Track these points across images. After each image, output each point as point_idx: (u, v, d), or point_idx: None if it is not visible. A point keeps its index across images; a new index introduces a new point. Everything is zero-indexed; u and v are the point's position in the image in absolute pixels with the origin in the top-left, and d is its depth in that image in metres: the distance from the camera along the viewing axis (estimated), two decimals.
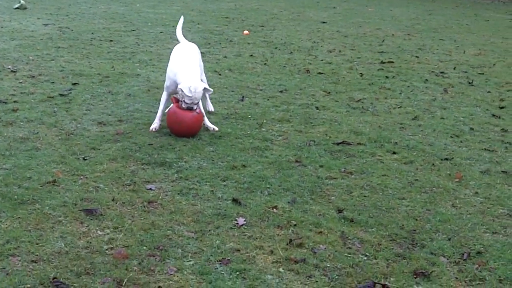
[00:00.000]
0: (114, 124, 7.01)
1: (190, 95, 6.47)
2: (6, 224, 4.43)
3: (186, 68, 6.66)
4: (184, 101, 6.52)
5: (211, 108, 7.60)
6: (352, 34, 15.72)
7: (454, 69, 11.69)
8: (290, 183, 5.60)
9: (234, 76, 10.05)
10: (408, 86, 10.02)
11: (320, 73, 10.76)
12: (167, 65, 6.98)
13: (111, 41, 12.61)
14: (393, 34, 16.11)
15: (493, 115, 8.42)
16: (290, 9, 20.98)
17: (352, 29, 16.68)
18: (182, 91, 6.43)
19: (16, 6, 16.43)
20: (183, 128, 6.60)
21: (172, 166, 5.83)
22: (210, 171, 5.76)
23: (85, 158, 5.89)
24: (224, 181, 5.54)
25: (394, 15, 21.13)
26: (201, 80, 6.90)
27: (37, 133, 6.49)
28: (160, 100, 6.99)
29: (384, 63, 11.96)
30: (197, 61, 7.03)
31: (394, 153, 6.60)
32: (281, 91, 9.21)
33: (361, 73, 10.89)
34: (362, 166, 6.18)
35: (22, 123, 6.81)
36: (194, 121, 6.63)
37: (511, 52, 14.10)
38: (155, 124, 6.78)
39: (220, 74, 10.10)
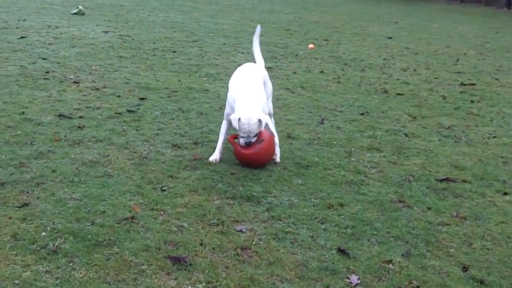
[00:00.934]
0: (189, 148, 6.34)
1: (243, 127, 5.71)
2: (81, 273, 3.76)
3: (245, 95, 5.85)
4: (239, 135, 5.78)
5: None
6: (422, 52, 14.84)
7: None
8: (399, 229, 4.83)
9: (309, 95, 9.32)
10: (498, 113, 9.13)
11: (399, 94, 9.93)
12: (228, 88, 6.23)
13: (174, 51, 12.02)
14: (465, 53, 15.17)
15: None
16: (352, 23, 20.18)
17: (421, 46, 15.79)
18: (237, 122, 5.70)
19: (74, 11, 16.03)
20: (255, 164, 5.93)
21: (261, 202, 5.12)
22: (304, 210, 5.03)
23: (163, 188, 5.22)
24: (323, 223, 4.80)
25: (460, 32, 20.14)
26: (266, 107, 6.03)
27: (108, 155, 5.84)
28: (220, 129, 6.19)
29: (465, 85, 11.08)
30: (260, 86, 6.12)
31: (506, 193, 5.77)
32: (362, 114, 8.43)
33: (443, 96, 10.03)
34: (474, 209, 5.37)
35: (90, 143, 6.19)
36: (263, 154, 5.89)
37: None
38: (215, 156, 6.04)
39: (293, 92, 9.38)
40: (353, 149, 6.83)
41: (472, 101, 9.76)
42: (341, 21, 20.39)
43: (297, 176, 5.84)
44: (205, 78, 9.85)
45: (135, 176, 5.45)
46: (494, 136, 7.83)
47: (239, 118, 5.68)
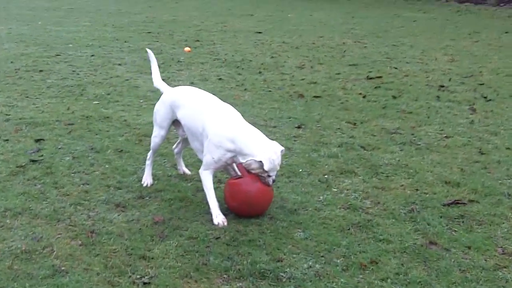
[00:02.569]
0: (138, 206, 4.92)
1: (272, 168, 4.63)
2: None
3: (247, 130, 4.72)
4: (265, 176, 4.64)
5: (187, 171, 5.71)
6: (301, 45, 14.11)
7: (449, 80, 10.35)
8: (463, 286, 3.77)
9: None
10: (429, 107, 8.55)
11: (316, 96, 9.01)
12: (192, 126, 4.96)
13: (41, 71, 10.14)
14: (344, 43, 14.67)
15: None
16: (209, 19, 19.06)
17: (296, 39, 15.08)
18: (262, 165, 4.49)
19: None
20: (256, 209, 4.67)
21: (280, 277, 3.92)
22: (339, 279, 3.82)
23: (144, 280, 3.79)
24: None
25: (320, 20, 19.82)
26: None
27: (42, 237, 4.31)
28: (204, 186, 4.89)
29: (371, 78, 10.44)
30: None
31: None
32: (298, 127, 7.36)
33: (361, 94, 9.27)
34: (509, 238, 4.48)
35: (7, 221, 4.55)
36: (269, 195, 4.66)
37: (478, 55, 13.09)
38: (219, 218, 4.73)
39: None
40: (325, 176, 5.69)
41: (394, 97, 9.08)
42: (198, 18, 19.15)
43: (293, 226, 4.65)
44: (97, 102, 8.21)
45: (96, 266, 3.92)
46: (447, 136, 7.14)
47: (261, 162, 4.55)
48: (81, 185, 5.27)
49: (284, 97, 8.99)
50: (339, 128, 7.37)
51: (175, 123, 5.25)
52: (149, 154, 5.41)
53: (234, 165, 4.91)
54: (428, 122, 7.81)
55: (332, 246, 4.34)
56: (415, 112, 8.30)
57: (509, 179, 5.78)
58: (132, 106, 7.95)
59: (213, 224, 4.59)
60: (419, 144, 6.86)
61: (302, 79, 10.28)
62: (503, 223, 4.81)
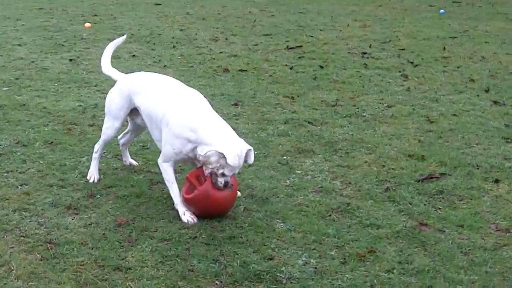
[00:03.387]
0: (91, 206, 4.35)
1: (235, 163, 3.99)
2: None
3: (213, 120, 4.17)
4: (220, 174, 4.03)
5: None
6: (207, 16, 13.61)
7: (370, 47, 10.27)
8: (476, 270, 3.54)
9: None
10: (360, 76, 8.37)
11: (242, 70, 8.56)
12: (152, 113, 4.41)
13: None
14: (250, 12, 14.32)
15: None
16: None
17: (199, 10, 14.56)
18: (222, 159, 3.95)
19: None
20: (224, 211, 4.23)
21: (278, 278, 3.53)
22: (342, 275, 3.54)
23: None
24: None
25: None
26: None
27: None
28: (165, 179, 4.35)
29: (292, 48, 10.12)
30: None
31: (497, 181, 4.89)
32: (235, 104, 6.90)
33: (287, 65, 8.91)
34: (501, 211, 4.32)
35: None
36: (234, 195, 4.24)
37: (388, 20, 13.15)
38: (187, 215, 4.19)
39: None
40: (284, 157, 5.31)
41: (321, 67, 8.83)
42: None
43: (270, 217, 4.25)
44: (7, 88, 7.30)
45: (67, 284, 3.32)
46: (389, 106, 6.98)
47: (223, 154, 3.91)
48: (19, 187, 4.58)
49: (209, 72, 8.47)
50: (278, 103, 6.98)
51: (132, 112, 4.64)
52: (98, 146, 4.78)
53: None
54: (364, 91, 7.60)
55: (320, 237, 3.97)
56: (347, 82, 8.07)
57: (468, 147, 5.66)
58: (47, 91, 7.16)
59: (181, 221, 4.05)
60: (365, 116, 6.63)
61: (221, 52, 9.78)
62: (483, 196, 4.66)
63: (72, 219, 4.11)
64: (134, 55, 9.39)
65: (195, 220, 4.07)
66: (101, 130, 5.65)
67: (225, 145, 3.99)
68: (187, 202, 4.13)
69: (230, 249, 3.78)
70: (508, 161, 5.32)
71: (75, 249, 3.69)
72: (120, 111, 4.58)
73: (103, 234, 3.89)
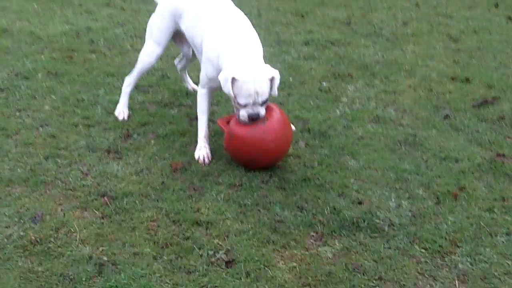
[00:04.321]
0: (131, 148, 3.79)
1: (245, 89, 3.39)
2: None
3: (239, 44, 3.52)
4: (241, 105, 3.46)
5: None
6: None
7: None
8: None
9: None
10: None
11: None
12: (194, 37, 3.83)
13: None
14: None
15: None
16: None
17: None
18: (235, 85, 3.39)
19: None
20: (255, 154, 3.54)
21: (377, 226, 3.06)
22: (448, 218, 3.12)
23: (229, 261, 2.77)
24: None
25: None
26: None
27: (41, 215, 3.00)
28: (198, 107, 3.80)
29: None
30: (249, 23, 3.79)
31: None
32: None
33: None
34: None
35: None
36: (273, 138, 3.52)
37: None
38: (202, 151, 3.69)
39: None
40: (323, 83, 4.86)
41: None
42: None
43: (339, 154, 3.88)
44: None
45: (145, 246, 2.84)
46: (405, 23, 6.52)
47: (233, 77, 3.34)
48: (40, 128, 3.97)
49: None
50: (289, 23, 6.43)
51: (176, 38, 4.05)
52: (131, 77, 4.20)
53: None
54: (373, 7, 7.15)
55: (400, 174, 3.60)
56: None
57: (504, 67, 5.36)
58: (27, 13, 6.35)
59: (194, 157, 3.63)
60: (385, 34, 6.21)
61: None
62: None
63: (117, 165, 3.56)
64: None
65: (207, 160, 3.62)
66: (105, 57, 5.06)
67: (237, 68, 3.39)
68: (227, 152, 3.62)
69: (310, 193, 3.35)
70: None
71: (137, 202, 3.18)
72: (162, 35, 4.01)
73: (162, 182, 3.38)
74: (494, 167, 3.68)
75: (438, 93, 4.72)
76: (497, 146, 3.94)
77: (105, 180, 3.39)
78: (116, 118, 4.15)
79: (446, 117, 4.34)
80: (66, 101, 4.37)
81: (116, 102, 4.31)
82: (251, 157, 3.47)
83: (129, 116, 4.17)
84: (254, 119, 3.42)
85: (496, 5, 7.37)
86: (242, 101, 3.38)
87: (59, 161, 3.56)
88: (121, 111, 4.19)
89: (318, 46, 5.68)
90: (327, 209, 3.20)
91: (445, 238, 3.01)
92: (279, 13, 6.78)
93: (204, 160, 3.60)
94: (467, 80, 4.96)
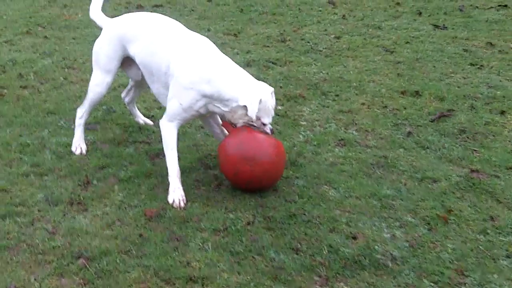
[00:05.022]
0: (94, 197, 3.49)
1: (267, 109, 3.41)
2: None
3: (230, 68, 3.47)
4: (259, 124, 3.45)
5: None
6: None
7: None
8: None
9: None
10: (287, 5, 7.77)
11: (157, 5, 7.63)
12: (153, 63, 3.62)
13: None
14: None
15: None
16: None
17: None
18: (250, 108, 3.34)
19: None
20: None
21: (379, 262, 2.95)
22: (446, 246, 3.07)
23: None
24: None
25: None
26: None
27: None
28: (165, 143, 3.55)
29: None
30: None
31: (502, 112, 4.68)
32: None
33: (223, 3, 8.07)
34: None
35: None
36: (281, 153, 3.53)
37: None
38: (177, 194, 3.45)
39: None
40: (279, 107, 4.71)
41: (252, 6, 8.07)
42: None
43: (316, 184, 3.72)
44: None
45: None
46: (337, 37, 6.54)
47: (254, 100, 3.31)
48: None
49: (120, 10, 7.41)
50: (224, 43, 6.26)
51: (125, 63, 3.77)
52: (82, 110, 3.93)
53: (218, 122, 3.72)
54: (302, 23, 7.08)
55: (384, 200, 3.52)
56: (278, 13, 7.54)
57: (447, 77, 5.42)
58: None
59: (167, 200, 3.40)
60: (322, 50, 6.14)
61: None
62: (504, 131, 4.39)
63: (85, 218, 3.25)
64: None
65: (183, 204, 3.39)
66: (39, 93, 4.71)
67: (245, 95, 3.34)
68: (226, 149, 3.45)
69: (300, 231, 3.19)
70: (495, 89, 5.11)
71: (118, 261, 2.89)
72: (110, 62, 3.74)
73: (140, 235, 3.10)
74: (473, 185, 3.65)
75: (393, 109, 4.68)
76: (467, 162, 3.92)
77: (76, 238, 3.06)
78: (67, 162, 3.79)
79: (409, 134, 4.29)
80: (9, 147, 3.97)
81: (64, 144, 4.00)
82: (251, 156, 3.35)
83: (87, 151, 3.84)
84: (272, 133, 3.48)
85: (420, 13, 7.50)
86: (267, 120, 3.39)
87: (19, 219, 3.21)
88: (78, 145, 3.90)
89: (260, 67, 5.52)
90: (323, 248, 3.04)
91: (451, 268, 2.92)
92: (210, 33, 6.58)
93: (179, 203, 3.34)
94: (417, 93, 4.95)
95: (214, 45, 3.58)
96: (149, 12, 3.92)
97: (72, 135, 4.09)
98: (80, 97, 4.81)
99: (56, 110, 4.56)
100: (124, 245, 3.01)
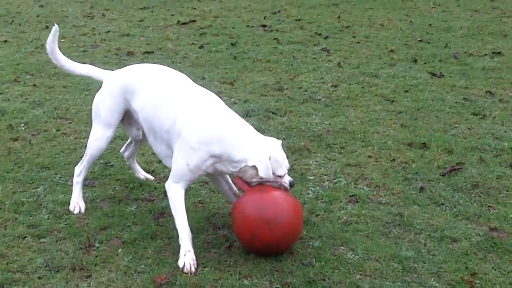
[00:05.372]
0: (97, 262, 3.28)
1: (280, 164, 3.28)
2: None
3: (238, 125, 3.35)
4: (276, 181, 3.31)
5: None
6: None
7: (264, 18, 9.61)
8: None
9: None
10: (281, 53, 7.78)
11: (148, 52, 7.51)
12: (156, 120, 3.48)
13: None
14: None
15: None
16: None
17: None
18: (262, 168, 3.22)
19: None
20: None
21: None
22: None
23: None
24: None
25: None
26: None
27: None
28: (172, 205, 3.37)
29: (185, 23, 9.20)
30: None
31: (497, 155, 4.56)
32: None
33: (194, 44, 8.04)
34: None
35: None
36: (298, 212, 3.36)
37: None
38: (188, 258, 3.24)
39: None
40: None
41: (232, 44, 8.12)
42: None
43: (332, 245, 3.52)
44: None
45: None
46: (335, 86, 6.44)
47: (264, 158, 3.19)
48: None
49: (111, 57, 7.30)
50: (220, 91, 6.12)
51: (125, 121, 3.65)
52: (82, 166, 3.73)
53: (227, 179, 3.54)
54: (298, 71, 6.98)
55: (405, 263, 3.34)
56: (273, 60, 7.42)
57: (451, 128, 5.32)
58: None
59: (177, 264, 3.18)
60: (321, 99, 6.03)
61: (108, 32, 8.56)
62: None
63: (89, 286, 3.00)
64: (6, 41, 7.82)
65: (193, 268, 3.17)
66: (31, 145, 4.50)
67: (254, 154, 3.21)
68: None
69: None
70: (500, 140, 5.00)
71: None
72: (112, 116, 3.59)
73: None
74: (495, 244, 3.49)
75: (402, 163, 4.54)
76: (485, 219, 3.77)
77: None
78: (66, 222, 3.56)
79: (421, 189, 4.14)
80: (3, 206, 3.74)
81: (62, 202, 3.78)
82: (271, 217, 3.16)
83: (86, 209, 3.63)
84: (292, 185, 3.32)
85: (415, 61, 7.45)
86: (282, 172, 3.24)
87: None
88: (76, 204, 3.67)
89: (260, 117, 5.37)
90: None
91: None
92: (206, 81, 6.44)
93: (190, 268, 3.13)
94: (424, 145, 4.83)
95: (221, 101, 3.42)
96: (154, 64, 3.76)
97: (69, 191, 3.88)
98: (75, 150, 4.61)
99: (51, 164, 4.34)
100: None
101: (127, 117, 3.67)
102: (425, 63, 7.36)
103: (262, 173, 3.17)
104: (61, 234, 3.46)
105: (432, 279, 3.18)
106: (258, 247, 3.19)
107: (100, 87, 3.72)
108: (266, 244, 3.14)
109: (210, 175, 3.50)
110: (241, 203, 3.23)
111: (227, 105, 3.47)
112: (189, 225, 3.34)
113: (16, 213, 3.66)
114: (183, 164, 3.28)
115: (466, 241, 3.54)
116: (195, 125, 3.25)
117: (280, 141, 3.35)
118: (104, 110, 3.60)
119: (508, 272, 3.25)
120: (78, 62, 3.92)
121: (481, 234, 3.61)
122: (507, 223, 3.73)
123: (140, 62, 6.92)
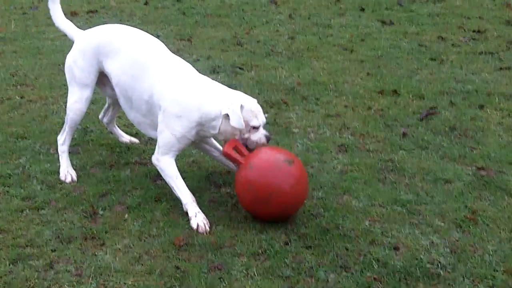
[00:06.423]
0: (108, 230, 3.22)
1: (255, 115, 3.25)
2: None
3: (211, 87, 3.34)
4: (251, 131, 3.27)
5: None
6: None
7: None
8: None
9: None
10: (230, 7, 7.60)
11: (91, 11, 7.25)
12: (131, 87, 3.43)
13: None
14: None
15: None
16: None
17: None
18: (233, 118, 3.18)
19: None
20: (279, 203, 3.19)
21: (431, 271, 2.88)
22: (493, 248, 3.06)
23: None
24: None
25: None
26: None
27: None
28: (167, 176, 3.33)
29: None
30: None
31: (481, 106, 4.77)
32: None
33: (138, 1, 7.78)
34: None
35: None
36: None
37: None
38: (198, 218, 3.20)
39: None
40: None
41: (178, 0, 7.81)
42: None
43: (332, 194, 3.55)
44: None
45: None
46: (291, 37, 6.45)
47: (241, 105, 3.18)
48: None
49: None
50: (179, 49, 6.00)
51: (98, 80, 3.57)
52: (65, 133, 3.64)
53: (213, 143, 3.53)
54: (251, 24, 6.97)
55: (406, 206, 3.49)
56: (223, 15, 7.43)
57: (415, 73, 5.51)
58: None
59: (190, 226, 3.17)
60: (281, 52, 6.07)
61: None
62: (489, 126, 4.46)
63: (106, 254, 2.94)
64: None
65: (207, 228, 3.16)
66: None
67: (236, 98, 3.23)
68: (238, 186, 3.20)
69: (341, 246, 3.08)
70: (464, 83, 5.18)
71: None
72: (87, 76, 3.51)
73: (177, 267, 2.85)
74: (486, 183, 3.66)
75: (378, 110, 4.64)
76: (470, 160, 3.93)
77: (107, 278, 2.77)
78: (63, 191, 3.45)
79: (404, 135, 4.27)
80: None
81: (50, 172, 3.65)
82: (265, 196, 3.07)
83: (77, 177, 3.52)
84: (269, 140, 3.24)
85: (363, 9, 7.54)
86: (256, 122, 3.21)
87: (33, 263, 2.85)
88: (67, 173, 3.56)
89: (228, 73, 5.33)
90: (372, 263, 2.90)
91: (500, 271, 2.86)
92: (161, 39, 6.25)
93: (204, 227, 3.11)
94: (395, 92, 4.94)
95: (194, 69, 3.37)
96: (126, 26, 3.64)
97: (54, 160, 3.76)
98: (46, 117, 4.45)
99: (26, 133, 4.16)
100: (164, 281, 2.75)
101: (101, 76, 3.54)
102: (373, 11, 7.46)
103: (233, 122, 3.14)
104: (60, 204, 3.34)
105: (437, 220, 3.29)
106: (266, 219, 3.19)
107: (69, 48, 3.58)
108: (271, 218, 3.15)
109: (197, 144, 3.45)
110: (236, 181, 3.20)
111: (189, 62, 3.42)
112: (190, 186, 3.31)
113: (6, 186, 3.50)
114: (169, 134, 3.25)
115: (458, 181, 3.67)
116: (175, 94, 3.20)
117: (254, 99, 3.31)
118: (78, 71, 3.48)
119: (504, 207, 3.40)
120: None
121: (470, 174, 3.75)
122: (491, 162, 3.89)
123: (86, 22, 6.69)
